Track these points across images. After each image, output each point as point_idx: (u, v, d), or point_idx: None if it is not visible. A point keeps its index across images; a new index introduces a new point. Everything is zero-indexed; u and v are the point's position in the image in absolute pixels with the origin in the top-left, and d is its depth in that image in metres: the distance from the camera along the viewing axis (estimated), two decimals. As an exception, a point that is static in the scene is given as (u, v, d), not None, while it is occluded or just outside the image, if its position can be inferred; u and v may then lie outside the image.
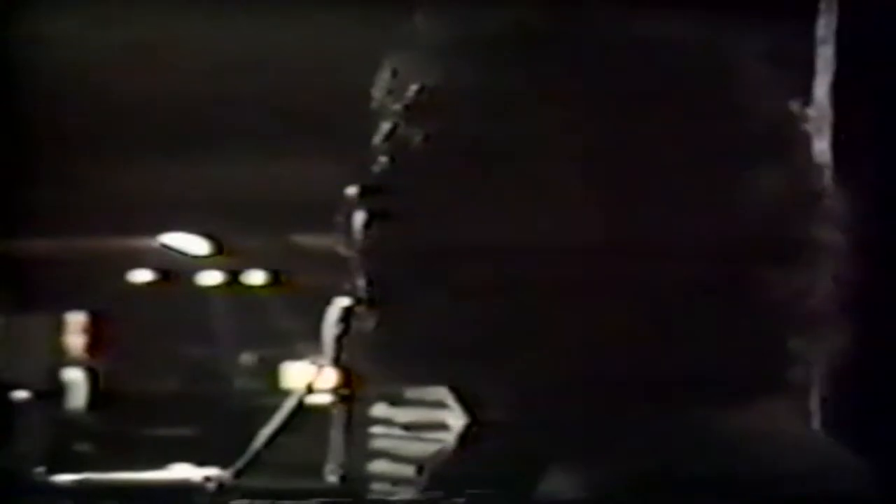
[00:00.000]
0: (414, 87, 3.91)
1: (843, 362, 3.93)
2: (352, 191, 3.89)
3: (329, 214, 3.89)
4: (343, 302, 3.91)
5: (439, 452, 3.92)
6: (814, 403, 3.96)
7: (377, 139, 3.89)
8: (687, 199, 3.97)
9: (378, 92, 3.89)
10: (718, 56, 3.98)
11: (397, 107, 3.90)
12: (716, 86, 3.99)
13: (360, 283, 3.90)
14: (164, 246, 3.94)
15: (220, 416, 3.90)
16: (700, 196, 3.97)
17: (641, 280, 3.90)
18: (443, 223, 3.90)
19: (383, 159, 3.89)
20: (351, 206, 3.90)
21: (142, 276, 3.93)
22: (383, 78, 3.89)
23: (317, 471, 3.91)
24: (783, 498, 3.85)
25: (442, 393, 3.93)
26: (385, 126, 3.89)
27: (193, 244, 3.95)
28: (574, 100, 3.93)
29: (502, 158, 3.91)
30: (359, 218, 3.89)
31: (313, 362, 3.91)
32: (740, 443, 3.88)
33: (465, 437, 3.91)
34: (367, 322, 3.91)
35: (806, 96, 4.03)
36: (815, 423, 3.95)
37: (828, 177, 4.01)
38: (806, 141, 4.03)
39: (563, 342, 3.88)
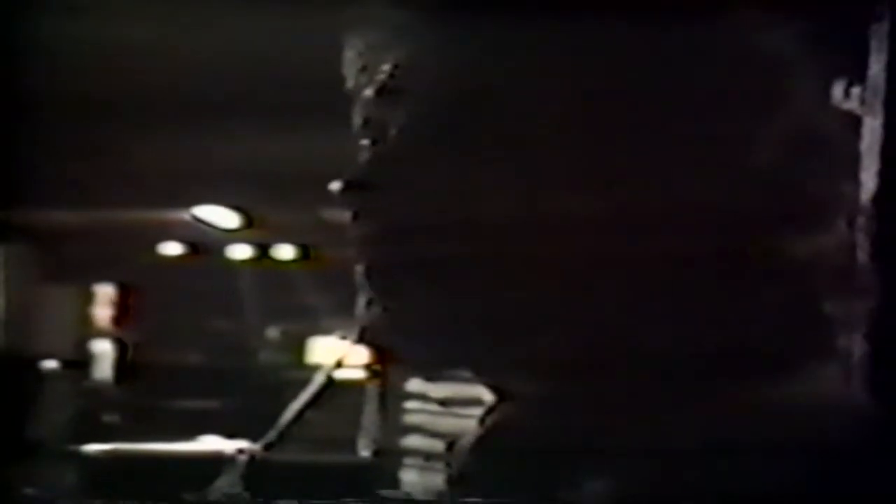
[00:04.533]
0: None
1: (883, 322, 3.84)
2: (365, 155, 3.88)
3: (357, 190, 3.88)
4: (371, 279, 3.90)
5: (472, 428, 3.90)
6: (856, 366, 3.88)
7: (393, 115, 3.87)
8: (719, 170, 3.89)
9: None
10: (761, 34, 3.89)
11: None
12: (759, 62, 3.90)
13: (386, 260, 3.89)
14: (195, 219, 3.95)
15: (248, 390, 3.92)
16: (735, 166, 3.89)
17: (669, 252, 3.84)
18: (456, 198, 3.86)
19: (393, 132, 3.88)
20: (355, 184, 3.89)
21: (172, 248, 3.95)
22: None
23: (350, 445, 3.91)
24: (830, 464, 3.77)
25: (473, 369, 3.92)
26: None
27: (224, 217, 3.96)
28: (572, 66, 3.87)
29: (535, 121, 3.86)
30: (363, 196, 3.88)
31: (342, 337, 3.91)
32: (783, 411, 3.80)
33: (495, 413, 3.89)
34: (397, 299, 3.90)
35: (858, 74, 3.93)
36: (858, 386, 3.87)
37: (878, 155, 3.91)
38: (853, 118, 3.94)
39: (597, 316, 3.83)
